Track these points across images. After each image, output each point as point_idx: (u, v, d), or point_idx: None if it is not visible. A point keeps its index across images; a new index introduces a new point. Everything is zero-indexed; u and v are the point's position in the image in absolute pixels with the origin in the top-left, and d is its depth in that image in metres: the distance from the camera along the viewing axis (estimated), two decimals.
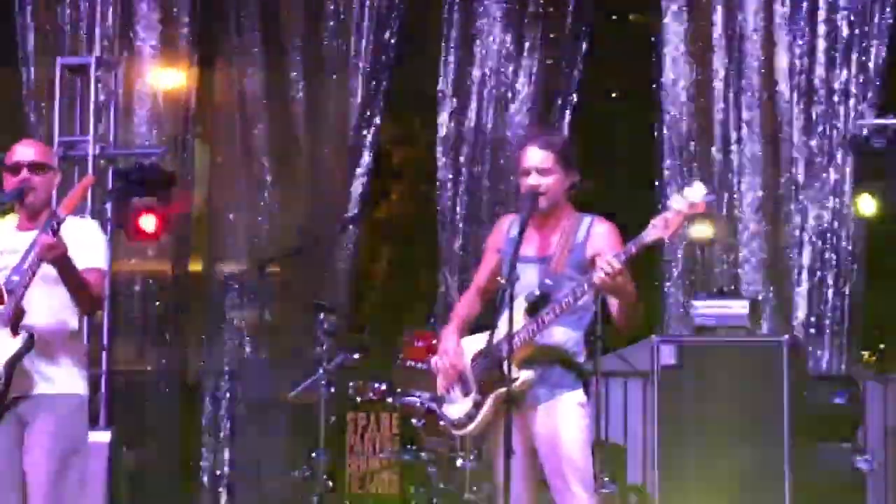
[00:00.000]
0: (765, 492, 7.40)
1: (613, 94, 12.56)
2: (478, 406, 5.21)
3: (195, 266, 10.88)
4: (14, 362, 5.37)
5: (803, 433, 7.71)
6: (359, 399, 8.61)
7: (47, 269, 5.33)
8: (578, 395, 5.18)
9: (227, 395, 10.02)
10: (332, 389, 8.69)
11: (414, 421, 8.36)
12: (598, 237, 5.19)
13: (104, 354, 9.17)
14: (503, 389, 5.01)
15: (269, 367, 9.24)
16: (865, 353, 13.25)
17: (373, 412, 8.50)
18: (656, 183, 9.35)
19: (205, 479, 9.98)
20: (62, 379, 5.48)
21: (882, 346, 13.26)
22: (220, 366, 10.28)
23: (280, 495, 8.71)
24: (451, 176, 10.19)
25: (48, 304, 5.45)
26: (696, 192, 4.81)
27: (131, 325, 10.16)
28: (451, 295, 9.54)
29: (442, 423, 5.52)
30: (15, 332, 5.36)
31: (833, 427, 8.54)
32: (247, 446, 8.92)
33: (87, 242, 5.44)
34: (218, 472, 9.93)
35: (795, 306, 9.17)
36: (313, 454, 8.53)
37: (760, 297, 7.91)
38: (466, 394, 5.28)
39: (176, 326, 10.47)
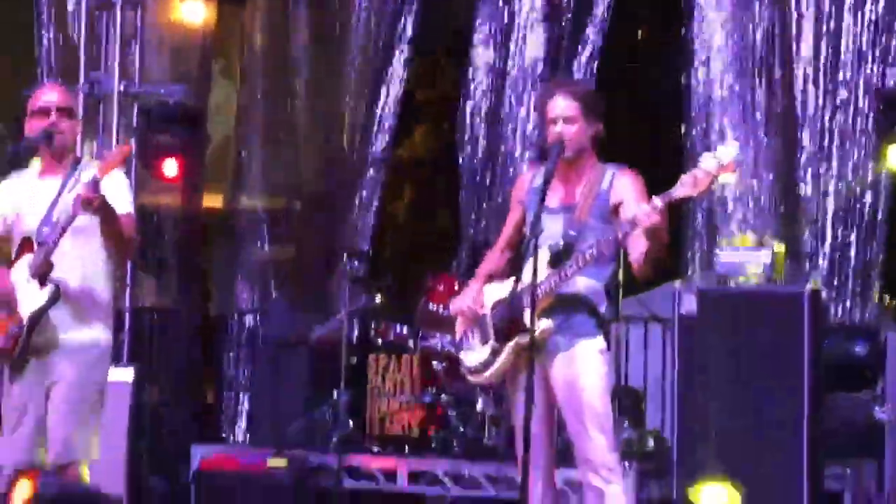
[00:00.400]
0: (784, 441, 7.40)
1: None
2: (495, 354, 5.24)
3: (216, 201, 10.91)
4: (39, 314, 5.42)
5: (823, 383, 7.71)
6: (380, 341, 8.67)
7: (77, 221, 5.36)
8: (598, 342, 5.20)
9: (249, 334, 10.07)
10: (355, 331, 8.78)
11: (435, 364, 8.42)
12: (622, 186, 5.19)
13: (128, 292, 9.20)
14: (522, 338, 5.03)
15: (291, 308, 9.26)
16: (887, 297, 13.28)
17: (394, 354, 8.53)
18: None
19: (226, 416, 10.07)
20: (87, 329, 5.53)
21: None
22: (241, 304, 10.34)
23: (300, 435, 8.76)
24: (475, 117, 10.15)
25: (76, 255, 5.50)
26: (728, 151, 4.80)
27: (153, 261, 10.19)
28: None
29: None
30: (42, 283, 5.41)
31: (853, 377, 8.57)
32: (267, 386, 8.95)
33: (114, 190, 5.47)
34: (238, 412, 10.01)
35: (818, 256, 9.17)
36: (334, 395, 8.62)
37: (783, 248, 7.86)
38: (484, 341, 5.31)
39: (197, 262, 10.52)
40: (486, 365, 5.28)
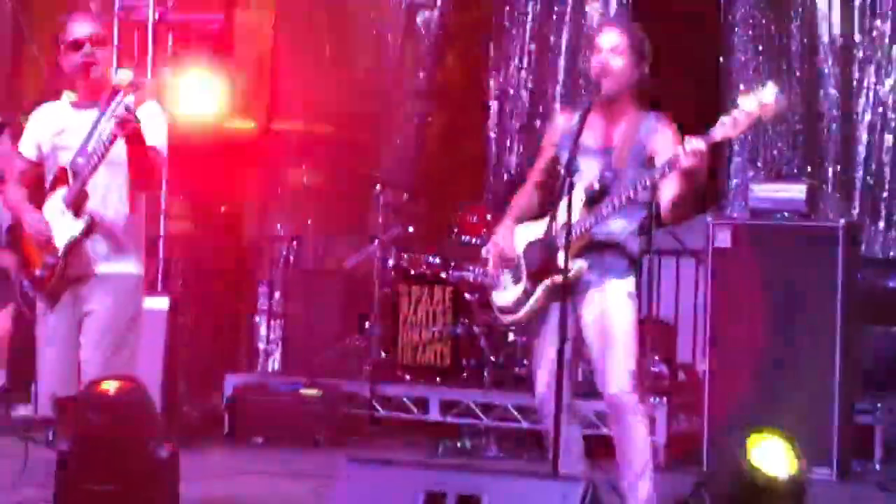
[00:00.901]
0: (816, 374, 7.41)
1: None
2: (528, 294, 5.25)
3: (249, 125, 10.89)
4: (74, 244, 5.45)
5: (856, 316, 7.69)
6: (412, 271, 8.68)
7: (111, 153, 5.37)
8: (628, 283, 5.22)
9: (282, 261, 10.09)
10: (388, 261, 8.79)
11: (467, 295, 8.44)
12: (660, 135, 5.17)
13: (161, 219, 9.23)
14: (555, 278, 5.03)
15: (324, 236, 9.27)
16: None
17: (426, 285, 8.54)
18: None
19: (259, 345, 10.12)
20: (120, 259, 5.57)
21: None
22: (275, 230, 10.35)
23: (333, 363, 8.81)
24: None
25: (111, 186, 5.51)
26: (768, 92, 4.76)
27: (187, 182, 10.20)
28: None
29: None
30: (78, 214, 5.43)
31: (887, 311, 8.54)
32: (301, 314, 9.00)
33: (149, 122, 5.47)
34: (272, 338, 10.06)
35: (854, 187, 9.12)
36: (366, 324, 8.66)
37: (817, 182, 7.83)
38: (517, 281, 5.31)
39: (230, 186, 10.53)
40: (519, 304, 5.30)
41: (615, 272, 5.20)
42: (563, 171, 5.02)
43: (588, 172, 5.13)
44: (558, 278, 5.00)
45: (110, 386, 5.17)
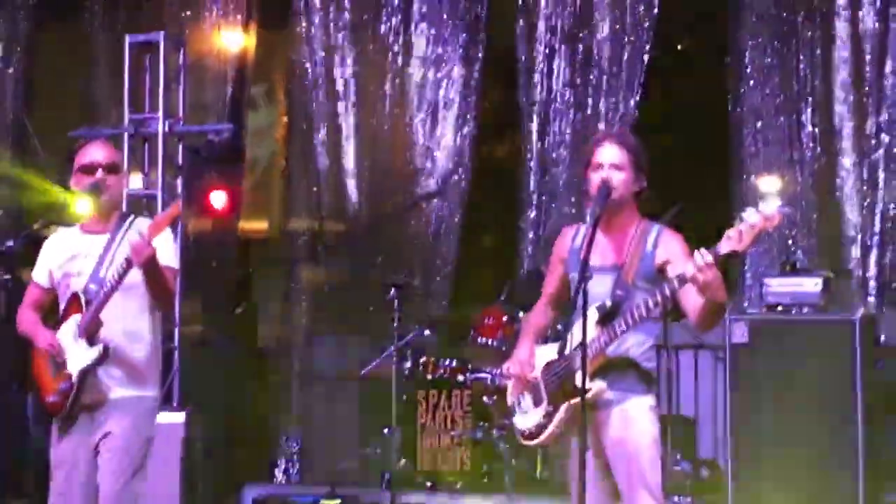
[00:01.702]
0: (839, 470, 7.35)
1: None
2: (549, 417, 5.21)
3: (261, 227, 10.93)
4: (88, 372, 5.44)
5: (875, 409, 7.64)
6: (430, 376, 8.65)
7: (125, 278, 5.38)
8: (648, 399, 5.18)
9: (299, 369, 10.06)
10: (406, 366, 8.77)
11: (485, 398, 8.39)
12: (668, 247, 5.16)
13: (176, 331, 9.23)
14: (575, 401, 5.00)
15: (340, 342, 9.26)
16: None
17: (444, 389, 8.51)
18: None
19: (278, 454, 10.07)
20: (136, 383, 5.55)
21: None
22: (291, 337, 10.33)
23: (352, 472, 8.76)
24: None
25: (124, 312, 5.51)
26: (771, 205, 4.76)
27: (201, 287, 10.22)
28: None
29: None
30: (91, 341, 5.43)
31: None
32: (318, 422, 8.96)
33: (159, 243, 5.48)
34: (290, 448, 10.01)
35: (868, 277, 9.10)
36: (385, 431, 8.61)
37: (833, 275, 7.81)
38: (537, 404, 5.28)
39: (244, 293, 10.55)
40: (541, 428, 5.26)
41: (633, 391, 5.17)
42: (573, 293, 5.00)
43: (598, 291, 5.11)
44: (578, 400, 4.98)
45: None
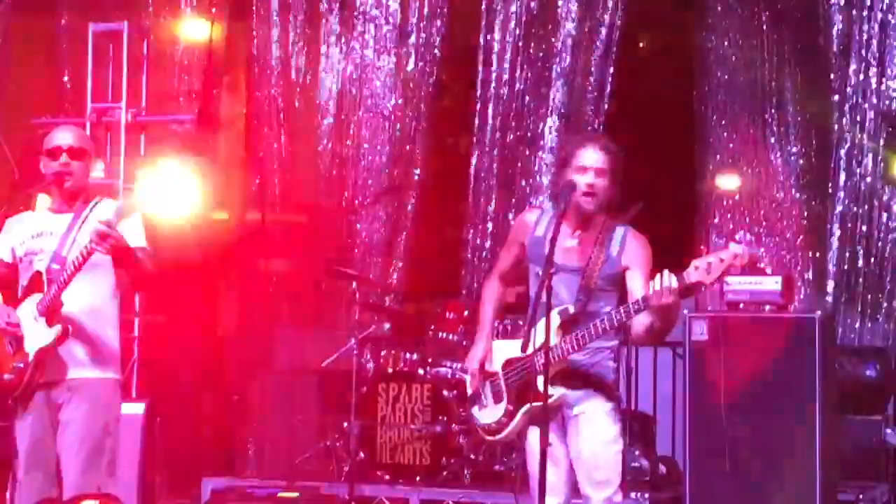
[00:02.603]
0: (795, 464, 7.39)
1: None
2: (510, 416, 5.23)
3: (223, 216, 10.90)
4: (45, 352, 5.42)
5: (834, 406, 7.70)
6: (390, 369, 8.65)
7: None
8: (610, 403, 5.22)
9: (258, 359, 10.04)
10: (365, 359, 8.77)
11: (445, 392, 8.41)
12: (632, 252, 5.18)
13: (136, 322, 9.19)
14: (537, 404, 5.00)
15: (300, 335, 9.24)
16: None
17: (404, 382, 8.50)
18: None
19: (237, 445, 10.04)
20: (96, 364, 5.53)
21: None
22: (251, 329, 10.31)
23: (311, 465, 8.74)
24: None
25: (86, 292, 5.50)
26: (742, 244, 4.81)
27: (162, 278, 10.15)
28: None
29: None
30: (51, 321, 5.41)
31: (864, 400, 8.55)
32: (278, 414, 8.94)
33: (128, 225, 5.47)
34: (248, 441, 9.98)
35: (827, 276, 9.18)
36: (345, 424, 8.61)
37: (792, 273, 7.87)
38: (497, 400, 5.30)
39: (206, 279, 10.51)
40: (501, 425, 5.28)
41: (595, 396, 5.20)
42: (536, 289, 5.02)
43: (562, 293, 5.13)
44: (538, 404, 4.99)
45: None
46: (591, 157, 5.21)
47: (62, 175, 5.57)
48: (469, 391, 5.47)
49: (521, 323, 5.33)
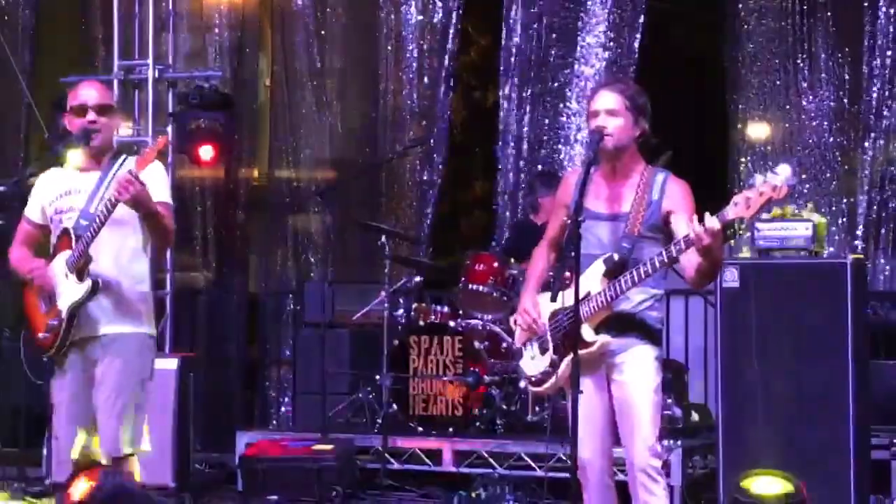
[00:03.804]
0: (828, 410, 7.37)
1: None
2: (554, 366, 5.24)
3: (252, 173, 10.93)
4: (77, 308, 5.46)
5: (866, 351, 7.68)
6: (421, 322, 8.67)
7: (115, 214, 5.38)
8: (653, 350, 5.22)
9: (290, 315, 10.08)
10: (397, 311, 8.79)
11: (476, 343, 8.42)
12: (673, 196, 5.17)
13: (168, 277, 9.24)
14: (581, 351, 5.03)
15: (331, 289, 9.26)
16: None
17: (436, 335, 8.52)
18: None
19: (270, 398, 10.11)
20: (128, 319, 5.56)
21: None
22: (282, 283, 10.35)
23: (344, 417, 8.79)
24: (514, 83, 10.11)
25: (115, 248, 5.53)
26: (781, 175, 4.77)
27: (192, 236, 10.23)
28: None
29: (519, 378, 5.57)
30: (81, 277, 5.44)
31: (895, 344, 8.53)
32: (311, 368, 8.98)
33: (151, 180, 5.49)
34: (282, 394, 10.05)
35: (858, 221, 9.14)
36: (377, 377, 8.64)
37: (824, 217, 7.81)
38: (543, 351, 5.32)
39: (237, 238, 10.56)
40: (546, 375, 5.30)
41: (637, 344, 5.20)
42: (566, 238, 5.04)
43: (600, 239, 5.13)
44: (583, 352, 5.01)
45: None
46: (603, 99, 5.21)
47: (90, 131, 5.59)
48: (516, 344, 5.48)
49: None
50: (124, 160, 5.64)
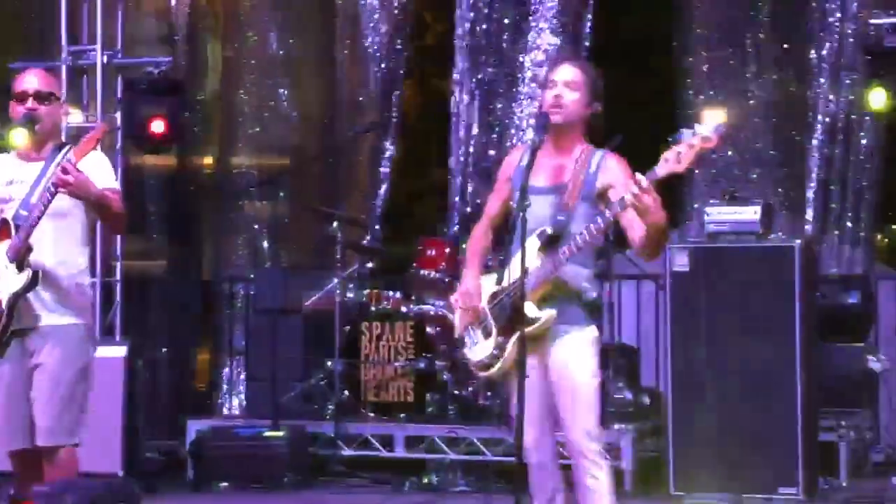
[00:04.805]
0: (776, 393, 7.43)
1: None
2: (501, 348, 5.19)
3: (206, 160, 10.87)
4: (16, 298, 5.40)
5: (815, 334, 7.73)
6: (373, 308, 8.66)
7: (56, 204, 5.34)
8: (591, 331, 5.20)
9: (242, 302, 10.05)
10: (347, 297, 8.78)
11: (428, 329, 8.42)
12: (610, 170, 5.14)
13: (118, 265, 9.18)
14: (528, 329, 4.99)
15: (283, 274, 9.23)
16: (879, 236, 13.33)
17: (387, 321, 8.52)
18: None
19: (222, 385, 10.08)
20: (68, 311, 5.51)
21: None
22: (235, 270, 10.30)
23: (295, 404, 8.77)
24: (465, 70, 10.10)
25: (55, 239, 5.47)
26: (709, 125, 4.76)
27: (142, 223, 10.17)
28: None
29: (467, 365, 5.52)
30: (21, 267, 5.39)
31: (845, 327, 8.59)
32: (262, 355, 8.95)
33: (94, 168, 5.44)
34: (233, 381, 10.01)
35: (807, 206, 9.20)
36: (329, 363, 8.62)
37: (772, 201, 7.86)
38: (487, 335, 5.27)
39: (188, 223, 10.51)
40: (494, 359, 5.23)
41: (577, 322, 5.18)
42: (512, 218, 5.00)
43: (539, 214, 5.09)
44: (528, 329, 4.98)
45: None
46: (563, 71, 5.20)
47: (32, 118, 5.52)
48: (458, 330, 5.45)
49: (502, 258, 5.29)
50: (68, 150, 5.57)
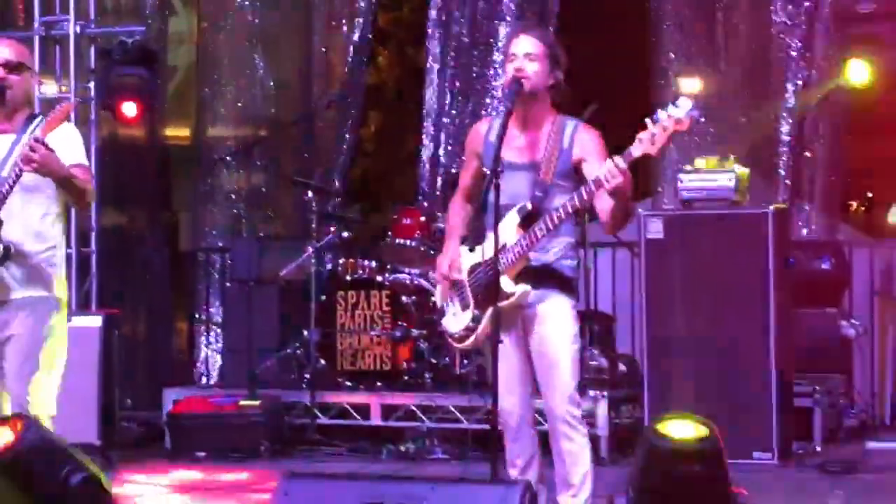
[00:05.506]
0: (751, 358, 7.49)
1: None
2: (477, 321, 5.24)
3: (182, 132, 10.84)
4: None
5: (789, 300, 7.77)
6: (349, 277, 8.66)
7: (26, 178, 5.32)
8: (569, 300, 5.24)
9: (219, 272, 10.05)
10: (323, 267, 8.77)
11: (404, 298, 8.43)
12: (584, 143, 5.17)
13: (94, 235, 9.16)
14: (502, 303, 5.04)
15: (259, 244, 9.22)
16: (854, 203, 13.40)
17: (363, 290, 8.52)
18: None
19: (198, 357, 10.08)
20: (39, 284, 5.50)
21: (870, 194, 13.36)
22: (211, 240, 10.30)
23: (271, 373, 8.78)
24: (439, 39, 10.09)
25: (26, 213, 5.46)
26: (682, 108, 4.80)
27: (120, 193, 10.15)
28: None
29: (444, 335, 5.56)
30: None
31: (819, 293, 8.63)
32: (238, 325, 8.96)
33: (63, 143, 5.42)
34: (209, 351, 10.02)
35: (780, 172, 9.23)
36: (304, 332, 8.63)
37: (746, 170, 7.88)
38: (465, 307, 5.31)
39: (164, 193, 10.48)
40: (469, 331, 5.29)
41: (553, 294, 5.22)
42: (484, 192, 5.02)
43: (515, 189, 5.12)
44: (504, 303, 5.02)
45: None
46: (522, 44, 5.20)
47: (2, 90, 5.49)
48: (438, 301, 5.48)
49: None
50: (40, 121, 5.54)
